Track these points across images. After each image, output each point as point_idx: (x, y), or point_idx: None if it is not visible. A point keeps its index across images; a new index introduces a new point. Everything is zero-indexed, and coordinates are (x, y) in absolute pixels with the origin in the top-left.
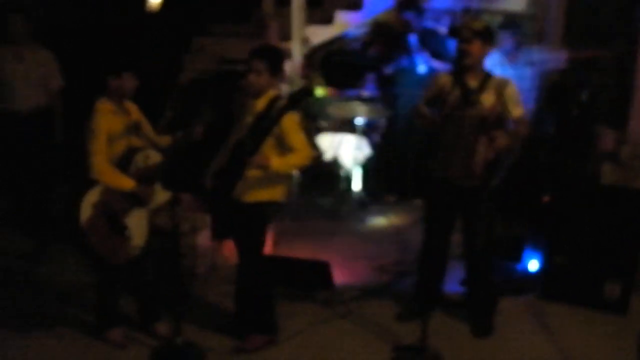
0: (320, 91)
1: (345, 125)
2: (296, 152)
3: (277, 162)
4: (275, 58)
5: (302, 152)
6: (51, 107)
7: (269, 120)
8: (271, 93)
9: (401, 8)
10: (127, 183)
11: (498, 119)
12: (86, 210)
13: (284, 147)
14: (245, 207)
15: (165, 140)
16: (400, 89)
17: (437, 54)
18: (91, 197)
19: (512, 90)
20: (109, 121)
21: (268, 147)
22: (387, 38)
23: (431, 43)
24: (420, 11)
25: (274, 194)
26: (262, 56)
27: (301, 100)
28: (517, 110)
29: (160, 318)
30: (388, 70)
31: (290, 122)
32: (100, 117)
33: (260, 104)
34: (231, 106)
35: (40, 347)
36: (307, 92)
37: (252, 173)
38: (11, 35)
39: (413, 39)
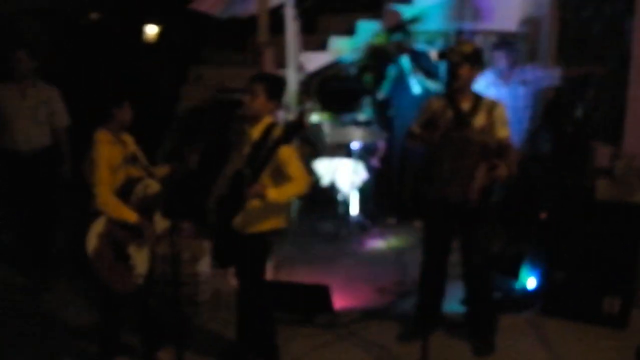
0: (323, 116)
1: (342, 150)
2: (294, 182)
3: (274, 193)
4: (273, 83)
5: (300, 182)
6: (57, 146)
7: (266, 150)
8: (266, 120)
9: (389, 31)
10: (130, 216)
11: (499, 147)
12: (92, 240)
13: (282, 176)
14: (247, 238)
15: (161, 170)
16: (396, 111)
17: (430, 74)
18: (97, 227)
19: (501, 112)
20: (109, 151)
21: (266, 176)
22: (381, 61)
23: (424, 64)
24: (407, 33)
25: (275, 222)
26: (260, 80)
27: (294, 134)
28: (504, 132)
29: (163, 346)
30: (379, 95)
31: (287, 152)
32: (101, 147)
33: (256, 132)
34: (228, 134)
35: None
36: (300, 125)
37: (252, 204)
38: (15, 71)
39: (405, 61)
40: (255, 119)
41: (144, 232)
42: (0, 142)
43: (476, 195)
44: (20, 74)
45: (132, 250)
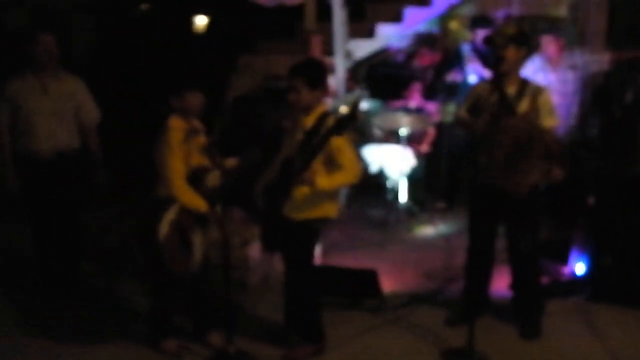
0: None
1: (391, 136)
2: (344, 171)
3: (323, 181)
4: (312, 73)
5: (351, 171)
6: (86, 146)
7: (318, 138)
8: (320, 109)
9: (473, 25)
10: (201, 205)
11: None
12: (164, 227)
13: (333, 165)
14: (295, 225)
15: (230, 162)
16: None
17: (487, 64)
18: (169, 215)
19: (546, 99)
20: (181, 138)
21: (318, 164)
22: (441, 50)
23: (482, 53)
24: (491, 24)
25: (325, 211)
26: (298, 73)
27: (347, 125)
28: (549, 121)
29: (213, 328)
30: (448, 78)
31: (340, 141)
32: (174, 134)
33: (310, 120)
34: (279, 122)
35: (95, 357)
36: (353, 116)
37: (301, 191)
38: (36, 61)
39: (467, 49)
40: (306, 109)
41: (211, 221)
42: (19, 145)
43: (526, 191)
44: (42, 64)
45: (195, 237)
